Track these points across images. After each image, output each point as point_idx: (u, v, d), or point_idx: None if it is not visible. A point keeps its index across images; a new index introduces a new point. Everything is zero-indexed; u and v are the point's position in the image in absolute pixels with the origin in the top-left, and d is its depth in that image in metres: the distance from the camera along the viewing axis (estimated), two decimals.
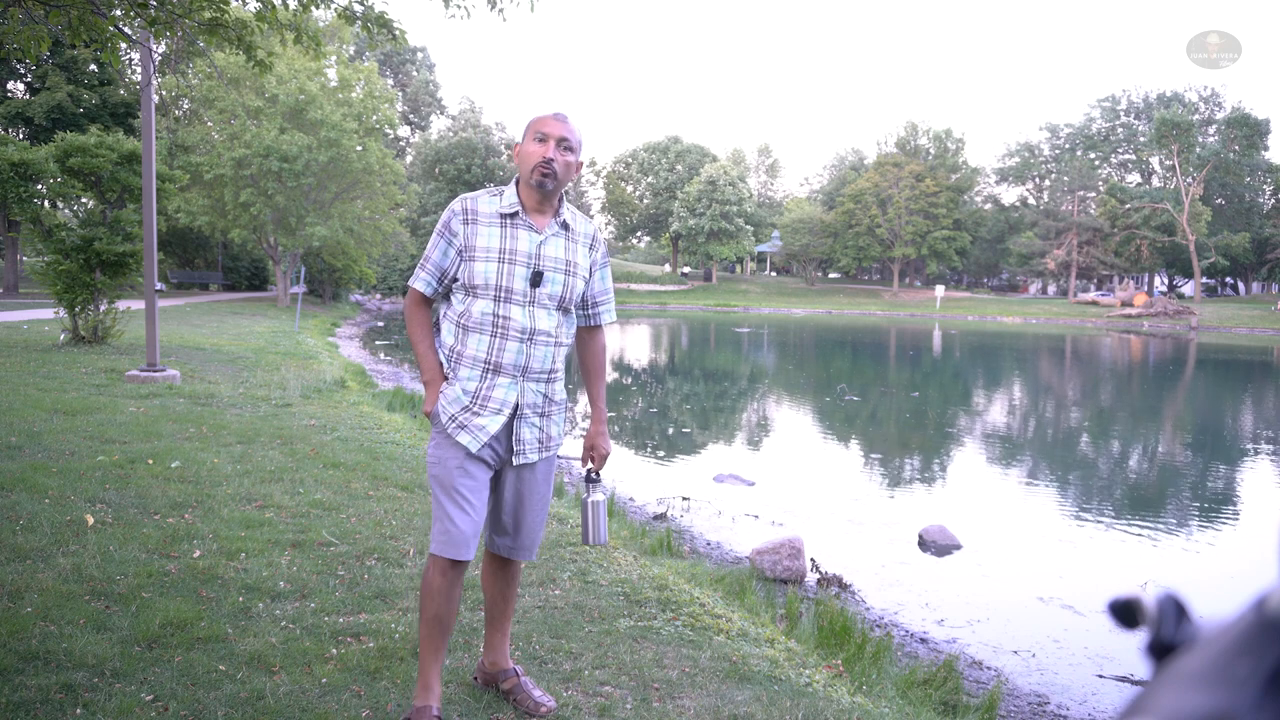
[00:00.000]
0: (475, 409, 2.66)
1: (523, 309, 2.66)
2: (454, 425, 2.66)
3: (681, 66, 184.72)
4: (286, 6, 6.39)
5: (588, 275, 2.82)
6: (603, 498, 2.89)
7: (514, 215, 2.68)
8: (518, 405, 2.69)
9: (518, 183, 2.74)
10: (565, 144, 2.67)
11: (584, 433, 3.08)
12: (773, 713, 2.95)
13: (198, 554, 4.01)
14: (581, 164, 2.79)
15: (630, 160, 69.92)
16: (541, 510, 2.86)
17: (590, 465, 2.90)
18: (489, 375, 2.67)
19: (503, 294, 2.65)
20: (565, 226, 2.76)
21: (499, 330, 2.65)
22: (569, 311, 2.80)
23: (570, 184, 2.79)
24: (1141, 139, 62.96)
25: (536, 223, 2.70)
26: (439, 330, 2.79)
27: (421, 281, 2.75)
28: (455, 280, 2.72)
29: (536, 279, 2.68)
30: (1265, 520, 8.11)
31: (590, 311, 2.90)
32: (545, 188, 2.65)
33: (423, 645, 2.69)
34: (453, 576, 2.66)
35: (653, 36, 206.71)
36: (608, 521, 2.97)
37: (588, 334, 2.95)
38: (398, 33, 6.72)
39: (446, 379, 2.71)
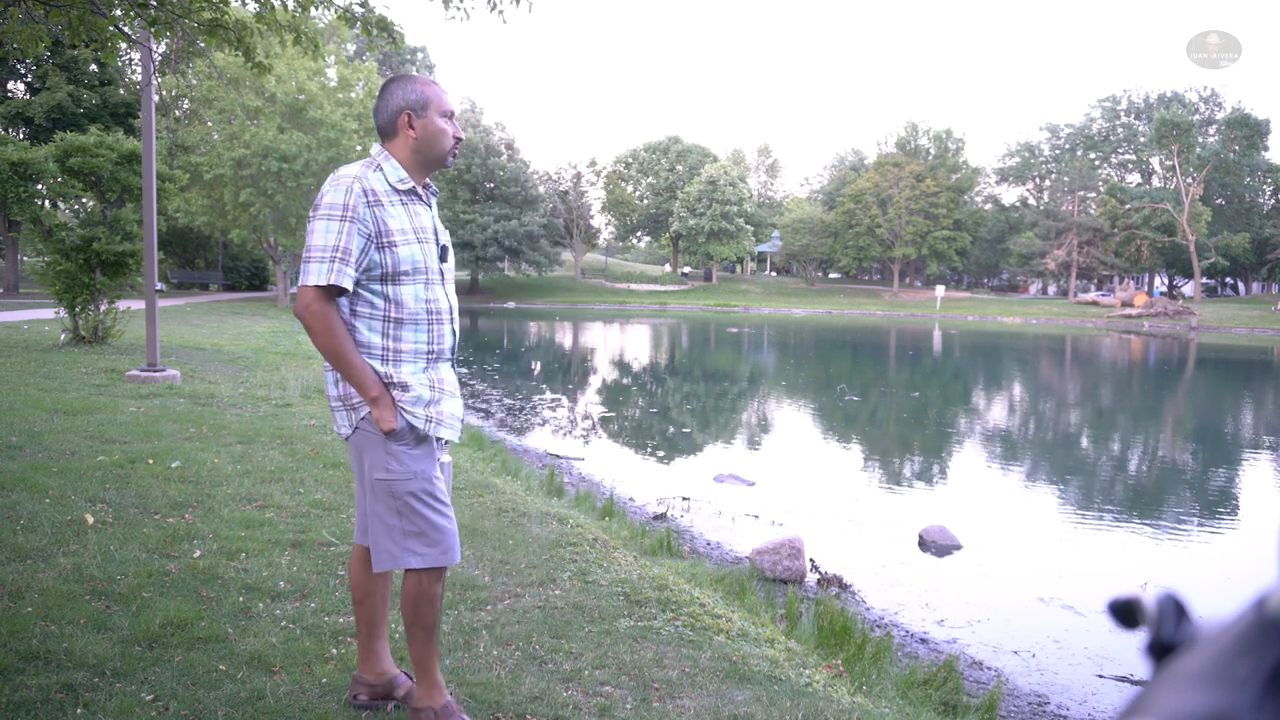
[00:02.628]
0: (437, 398, 2.52)
1: (441, 288, 2.56)
2: (432, 424, 2.50)
3: (681, 66, 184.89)
4: (285, 8, 6.39)
5: None
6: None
7: (410, 191, 2.52)
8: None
9: (391, 154, 2.53)
10: None
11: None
12: (773, 713, 2.95)
13: (198, 554, 4.01)
14: None
15: (630, 160, 69.86)
16: None
17: None
18: (432, 367, 2.53)
19: (429, 276, 2.51)
20: (432, 192, 2.67)
21: (434, 316, 2.52)
22: None
23: None
24: (1142, 139, 62.94)
25: (424, 195, 2.60)
26: (352, 330, 2.48)
27: (346, 277, 2.38)
28: (367, 271, 2.45)
29: (444, 254, 2.59)
30: (1265, 520, 8.11)
31: None
32: (450, 166, 2.61)
33: (427, 651, 2.59)
34: (444, 577, 2.62)
35: (653, 36, 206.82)
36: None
37: None
38: (397, 35, 6.72)
39: (401, 388, 2.48)
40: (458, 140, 2.58)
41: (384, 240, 2.42)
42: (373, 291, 2.45)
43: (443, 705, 2.61)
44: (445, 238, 2.63)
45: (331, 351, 2.40)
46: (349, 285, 2.39)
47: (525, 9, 6.60)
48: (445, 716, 2.59)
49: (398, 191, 2.48)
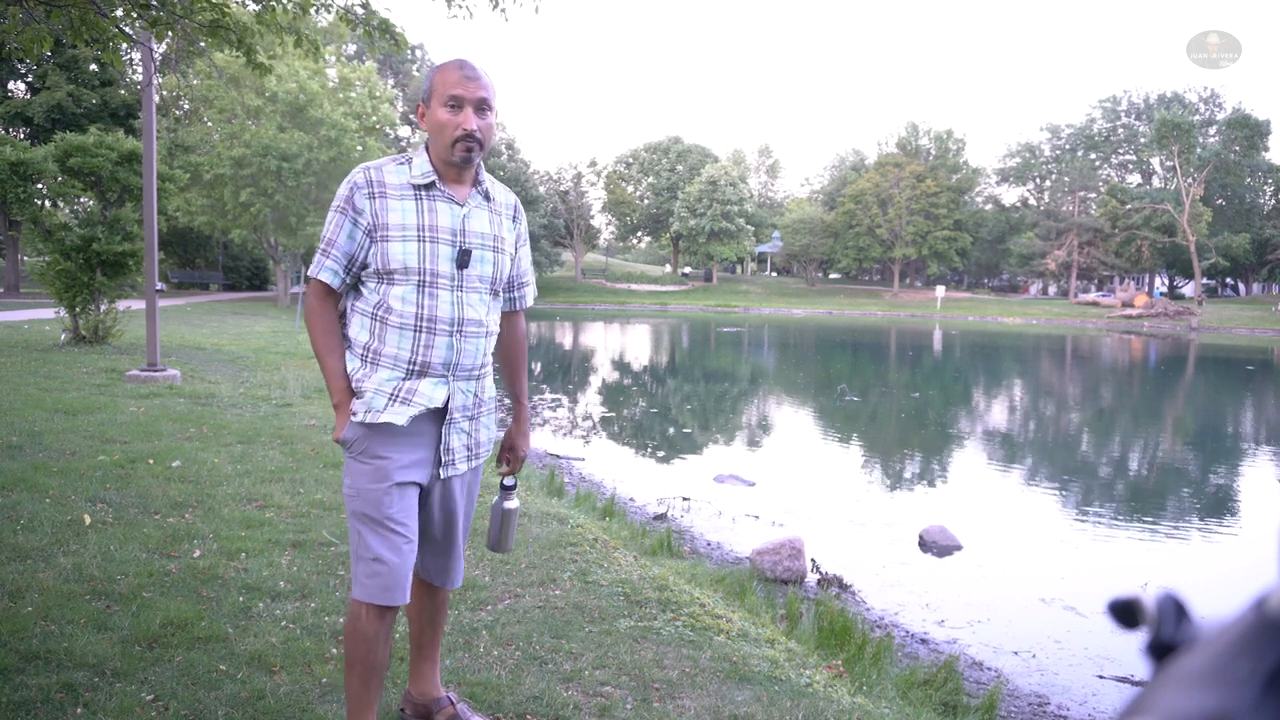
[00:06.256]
0: (401, 400, 2.29)
1: (450, 295, 2.30)
2: (385, 412, 2.27)
3: (681, 66, 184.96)
4: (285, 9, 6.38)
5: (514, 253, 2.49)
6: (518, 504, 2.66)
7: (430, 186, 2.30)
8: (446, 407, 2.34)
9: (427, 148, 2.35)
10: (484, 105, 2.29)
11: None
12: (773, 713, 2.94)
13: (198, 554, 4.01)
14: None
15: (631, 160, 69.85)
16: (467, 528, 2.57)
17: (506, 468, 2.65)
18: (413, 378, 2.29)
19: (427, 279, 2.27)
20: (487, 197, 2.40)
21: (424, 323, 2.28)
22: (498, 295, 2.45)
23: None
24: (1142, 140, 62.92)
25: (456, 193, 2.33)
26: (346, 326, 2.38)
27: (327, 271, 2.30)
28: (365, 266, 2.30)
29: (464, 259, 2.31)
30: (1265, 520, 8.11)
31: (513, 295, 2.58)
32: (471, 163, 2.32)
33: (354, 693, 2.35)
34: (388, 619, 2.32)
35: (653, 36, 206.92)
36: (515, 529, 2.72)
37: (508, 320, 2.60)
38: (399, 36, 6.72)
39: (357, 395, 2.30)
40: (467, 135, 2.26)
41: (379, 234, 2.26)
42: (369, 288, 2.32)
43: None
44: (474, 241, 2.34)
45: (314, 348, 2.36)
46: (331, 282, 2.30)
47: (531, 9, 6.61)
48: None
49: (415, 186, 2.30)
